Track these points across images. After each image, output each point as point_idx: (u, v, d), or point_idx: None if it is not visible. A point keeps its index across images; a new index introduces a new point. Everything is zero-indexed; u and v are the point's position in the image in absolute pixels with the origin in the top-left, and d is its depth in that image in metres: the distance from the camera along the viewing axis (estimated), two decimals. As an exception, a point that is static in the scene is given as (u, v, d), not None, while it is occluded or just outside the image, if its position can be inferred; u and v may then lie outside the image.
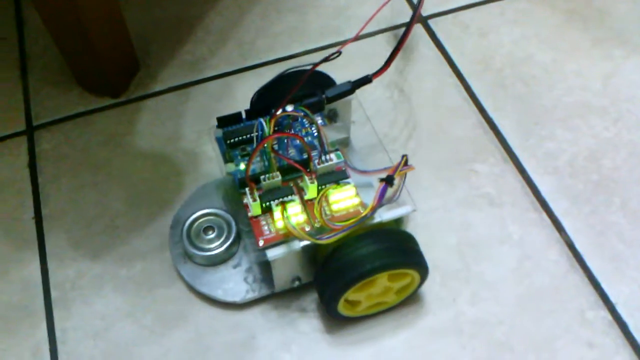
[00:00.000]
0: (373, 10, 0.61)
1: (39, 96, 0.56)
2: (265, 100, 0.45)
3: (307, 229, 0.40)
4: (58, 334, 0.44)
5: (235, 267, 0.44)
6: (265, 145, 0.40)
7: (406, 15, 0.60)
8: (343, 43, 0.47)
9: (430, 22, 0.59)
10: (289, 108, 0.41)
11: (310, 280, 0.42)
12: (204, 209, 0.46)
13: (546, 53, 0.57)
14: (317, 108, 0.43)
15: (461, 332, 0.42)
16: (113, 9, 0.52)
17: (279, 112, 0.41)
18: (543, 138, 0.51)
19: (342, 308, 0.41)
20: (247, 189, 0.40)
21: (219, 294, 0.43)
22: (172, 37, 0.60)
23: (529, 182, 0.49)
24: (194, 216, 0.45)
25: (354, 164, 0.45)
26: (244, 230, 0.45)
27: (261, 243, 0.39)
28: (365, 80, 0.44)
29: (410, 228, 0.47)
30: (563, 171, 0.50)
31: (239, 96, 0.55)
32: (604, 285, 0.44)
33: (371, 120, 0.49)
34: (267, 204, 0.40)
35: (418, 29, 0.59)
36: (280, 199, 0.40)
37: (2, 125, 0.54)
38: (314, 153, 0.42)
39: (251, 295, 0.43)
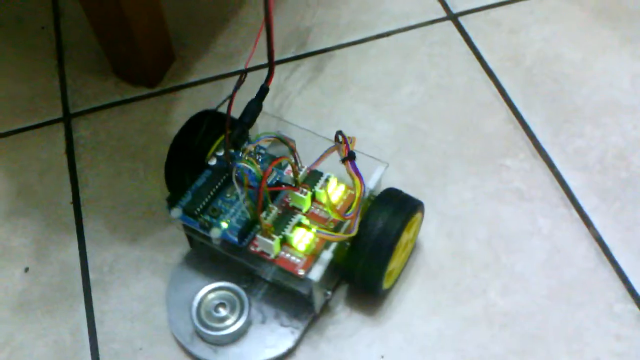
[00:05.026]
0: (401, 7, 0.61)
1: (76, 85, 0.57)
2: (184, 150, 0.45)
3: None
4: (97, 315, 0.45)
5: (263, 322, 0.43)
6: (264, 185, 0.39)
7: (437, 11, 0.61)
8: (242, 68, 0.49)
9: (461, 19, 0.60)
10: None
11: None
12: (196, 293, 0.42)
13: (576, 51, 0.57)
14: (243, 138, 0.45)
15: (492, 322, 0.43)
16: None
17: (252, 145, 0.42)
18: (572, 135, 0.52)
19: (384, 282, 0.42)
20: (259, 235, 0.39)
21: (271, 353, 0.42)
22: (207, 29, 0.61)
23: (558, 177, 0.50)
24: (195, 304, 0.42)
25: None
26: (245, 287, 0.43)
27: (301, 272, 0.39)
28: (264, 91, 0.46)
29: (440, 220, 0.48)
30: (592, 168, 0.50)
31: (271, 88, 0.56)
32: (632, 280, 0.45)
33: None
34: (281, 236, 0.40)
35: (449, 26, 0.60)
36: (290, 224, 0.40)
37: (39, 112, 0.56)
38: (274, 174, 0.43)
39: (298, 334, 0.42)
